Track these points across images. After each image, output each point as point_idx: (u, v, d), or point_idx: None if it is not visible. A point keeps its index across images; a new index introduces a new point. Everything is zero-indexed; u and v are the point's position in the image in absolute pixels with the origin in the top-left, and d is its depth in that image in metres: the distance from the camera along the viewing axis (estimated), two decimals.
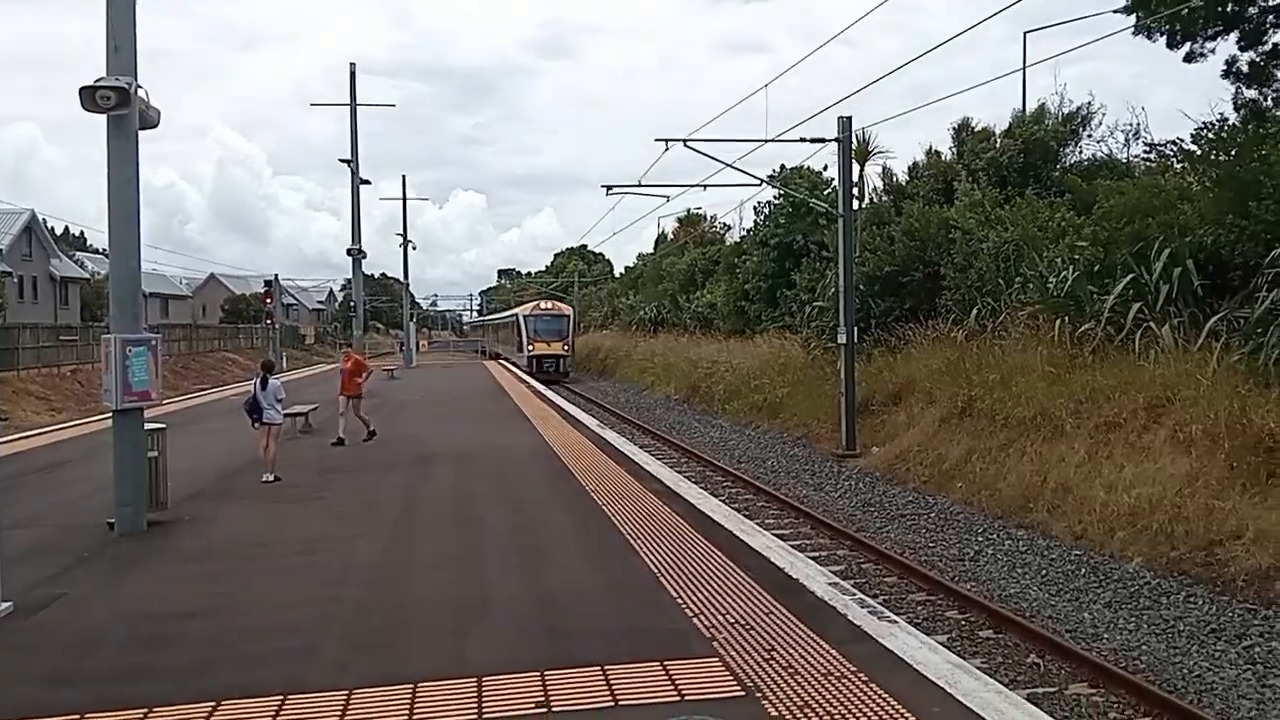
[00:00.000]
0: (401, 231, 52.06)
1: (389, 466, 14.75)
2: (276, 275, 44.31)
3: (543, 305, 53.81)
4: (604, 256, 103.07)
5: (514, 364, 51.61)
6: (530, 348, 49.09)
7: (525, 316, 51.39)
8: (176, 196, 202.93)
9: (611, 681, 5.64)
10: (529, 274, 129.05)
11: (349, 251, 31.09)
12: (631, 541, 9.22)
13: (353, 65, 30.78)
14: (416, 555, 9.12)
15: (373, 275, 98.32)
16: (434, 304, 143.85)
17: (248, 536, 10.08)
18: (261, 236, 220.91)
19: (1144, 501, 12.23)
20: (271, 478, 13.22)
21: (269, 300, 43.38)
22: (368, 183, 31.36)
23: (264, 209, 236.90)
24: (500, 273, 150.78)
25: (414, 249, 53.44)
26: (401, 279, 57.44)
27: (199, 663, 6.21)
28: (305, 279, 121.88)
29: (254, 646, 6.50)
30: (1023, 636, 9.88)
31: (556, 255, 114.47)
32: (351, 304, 35.45)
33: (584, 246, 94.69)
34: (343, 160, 30.76)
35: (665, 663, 5.91)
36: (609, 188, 28.90)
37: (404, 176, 49.10)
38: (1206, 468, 11.87)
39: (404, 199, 51.30)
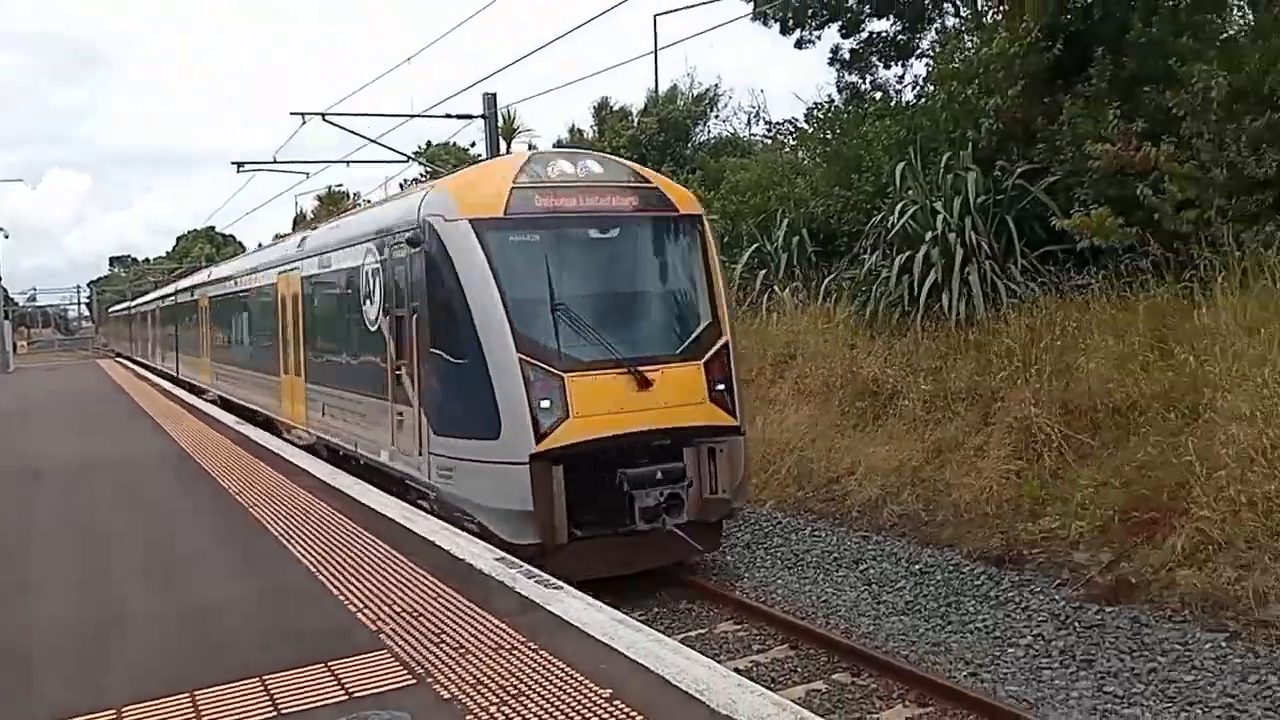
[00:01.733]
0: None
1: None
2: None
3: (563, 166, 10.11)
4: (235, 238, 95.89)
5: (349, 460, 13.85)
6: (540, 402, 9.18)
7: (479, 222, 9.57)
8: None
9: (272, 691, 5.32)
10: (147, 260, 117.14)
11: None
12: (284, 541, 8.71)
13: None
14: (34, 581, 8.01)
15: None
16: (32, 299, 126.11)
17: None
18: None
19: (774, 449, 13.49)
20: None
21: None
22: None
23: None
24: (113, 260, 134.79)
25: (5, 238, 46.88)
26: None
27: None
28: None
29: None
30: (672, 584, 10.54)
31: (179, 238, 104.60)
32: None
33: (212, 228, 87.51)
34: None
35: (329, 663, 5.65)
36: (239, 164, 26.86)
37: None
38: (824, 414, 13.33)
39: None
